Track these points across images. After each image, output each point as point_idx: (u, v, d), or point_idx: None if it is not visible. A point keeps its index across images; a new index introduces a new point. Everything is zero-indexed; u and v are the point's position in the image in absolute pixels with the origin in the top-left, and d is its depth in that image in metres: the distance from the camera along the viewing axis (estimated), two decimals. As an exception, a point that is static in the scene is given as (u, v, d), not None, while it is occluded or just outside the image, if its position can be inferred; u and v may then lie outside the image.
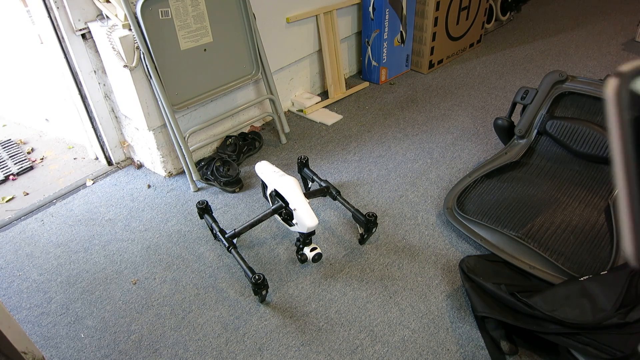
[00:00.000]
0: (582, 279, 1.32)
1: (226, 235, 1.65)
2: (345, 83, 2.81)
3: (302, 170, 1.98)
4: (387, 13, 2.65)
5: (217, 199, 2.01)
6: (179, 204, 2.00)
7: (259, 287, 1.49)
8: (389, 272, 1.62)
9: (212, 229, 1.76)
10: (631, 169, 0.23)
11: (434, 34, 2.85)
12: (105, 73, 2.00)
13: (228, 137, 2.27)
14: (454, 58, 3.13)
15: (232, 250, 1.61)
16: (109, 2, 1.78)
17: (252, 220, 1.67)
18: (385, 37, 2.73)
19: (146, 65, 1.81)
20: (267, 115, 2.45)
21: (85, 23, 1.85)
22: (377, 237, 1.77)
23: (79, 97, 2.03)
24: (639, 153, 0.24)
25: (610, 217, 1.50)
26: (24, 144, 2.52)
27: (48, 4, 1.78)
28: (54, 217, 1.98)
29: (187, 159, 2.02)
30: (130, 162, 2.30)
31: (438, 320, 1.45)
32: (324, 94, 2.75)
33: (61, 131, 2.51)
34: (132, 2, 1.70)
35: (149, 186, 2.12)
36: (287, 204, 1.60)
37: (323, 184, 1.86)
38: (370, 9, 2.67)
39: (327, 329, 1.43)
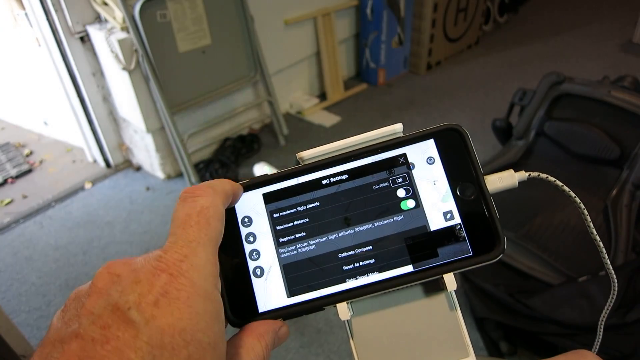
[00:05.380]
0: (580, 279, 1.33)
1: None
2: (344, 85, 2.81)
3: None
4: (385, 15, 2.66)
5: (216, 201, 2.01)
6: (178, 206, 2.00)
7: (258, 289, 1.49)
8: (388, 274, 1.62)
9: (211, 231, 1.76)
10: None
11: (432, 35, 2.86)
12: (104, 76, 2.01)
13: (226, 139, 2.27)
14: (452, 59, 3.13)
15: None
16: (107, 5, 1.78)
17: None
18: (383, 38, 2.73)
19: (144, 68, 1.81)
20: (265, 117, 2.45)
21: (84, 26, 1.85)
22: (376, 238, 1.77)
23: (77, 99, 2.03)
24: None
25: (608, 218, 1.51)
26: (23, 146, 2.51)
27: (46, 7, 1.78)
28: (52, 220, 1.98)
29: (185, 161, 2.02)
30: (128, 165, 2.30)
31: (437, 321, 1.45)
32: (323, 96, 2.76)
33: (60, 134, 2.50)
34: (130, 5, 1.71)
35: (148, 189, 2.12)
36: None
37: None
38: (368, 10, 2.67)
39: (327, 330, 1.43)
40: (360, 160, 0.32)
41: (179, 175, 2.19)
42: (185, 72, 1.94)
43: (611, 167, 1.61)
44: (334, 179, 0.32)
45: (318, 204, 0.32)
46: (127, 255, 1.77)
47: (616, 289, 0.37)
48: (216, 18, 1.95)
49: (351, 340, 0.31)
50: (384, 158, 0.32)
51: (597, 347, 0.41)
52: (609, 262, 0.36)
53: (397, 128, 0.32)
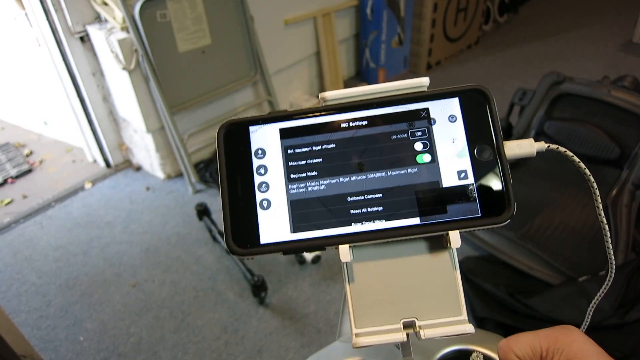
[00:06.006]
0: (580, 279, 1.33)
1: (225, 238, 1.65)
2: (344, 84, 2.81)
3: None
4: (384, 15, 2.66)
5: (216, 200, 2.01)
6: (178, 206, 2.00)
7: (258, 289, 1.49)
8: (388, 274, 1.62)
9: (210, 231, 1.76)
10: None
11: (432, 35, 2.86)
12: (104, 75, 2.01)
13: (227, 139, 2.27)
14: (452, 59, 3.13)
15: (231, 252, 1.61)
16: (107, 4, 1.78)
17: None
18: (383, 38, 2.73)
19: (144, 68, 1.81)
20: (265, 117, 2.45)
21: (84, 26, 1.85)
22: (376, 238, 1.77)
23: (77, 99, 2.03)
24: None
25: (608, 218, 1.51)
26: (23, 146, 2.51)
27: (46, 7, 1.78)
28: (52, 220, 1.98)
29: (185, 161, 2.02)
30: (128, 165, 2.30)
31: (437, 321, 1.45)
32: (323, 96, 2.75)
33: (60, 134, 2.50)
34: (130, 5, 1.70)
35: (148, 188, 2.12)
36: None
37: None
38: (368, 10, 2.67)
39: (327, 330, 1.44)
40: (382, 109, 0.32)
41: (179, 175, 2.19)
42: (185, 72, 1.94)
43: (611, 167, 1.61)
44: (353, 124, 0.32)
45: (334, 145, 0.32)
46: (126, 255, 1.77)
47: (614, 270, 0.38)
48: (216, 18, 1.95)
49: (347, 285, 0.32)
50: (406, 110, 0.32)
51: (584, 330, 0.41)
52: (610, 244, 0.35)
53: (424, 82, 0.33)
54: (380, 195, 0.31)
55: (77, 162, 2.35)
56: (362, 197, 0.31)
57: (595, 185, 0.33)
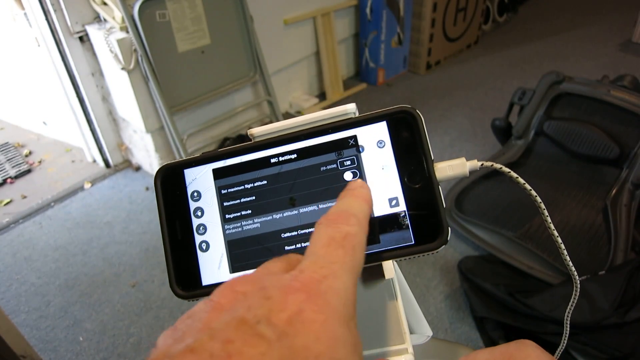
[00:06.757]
0: (580, 279, 1.33)
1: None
2: (343, 84, 2.81)
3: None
4: (384, 14, 2.65)
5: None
6: (178, 206, 2.00)
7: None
8: (388, 274, 1.62)
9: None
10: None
11: (431, 35, 2.86)
12: (103, 75, 2.00)
13: (226, 139, 2.27)
14: (452, 59, 3.13)
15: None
16: (106, 4, 1.78)
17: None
18: (383, 38, 2.73)
19: (144, 68, 1.81)
20: (265, 117, 2.45)
21: (83, 26, 1.85)
22: (376, 238, 1.77)
23: (76, 99, 2.03)
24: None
25: (607, 217, 1.51)
26: (22, 147, 2.51)
27: (45, 7, 1.78)
28: (52, 220, 1.97)
29: (185, 161, 2.02)
30: (128, 165, 2.29)
31: (437, 321, 1.45)
32: (322, 96, 2.76)
33: (59, 134, 2.50)
34: (130, 5, 1.70)
35: (147, 189, 2.12)
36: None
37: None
38: (368, 10, 2.67)
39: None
40: (310, 140, 0.31)
41: (179, 175, 2.18)
42: (185, 72, 1.94)
43: (611, 166, 1.61)
44: (283, 158, 0.32)
45: (265, 182, 0.31)
46: (126, 255, 1.77)
47: (578, 286, 0.38)
48: (215, 18, 1.95)
49: None
50: (334, 139, 0.31)
51: (565, 342, 0.41)
52: (567, 257, 0.36)
53: (350, 108, 0.32)
54: (314, 229, 0.31)
55: (77, 162, 2.35)
56: (296, 233, 0.30)
57: (538, 198, 0.33)
